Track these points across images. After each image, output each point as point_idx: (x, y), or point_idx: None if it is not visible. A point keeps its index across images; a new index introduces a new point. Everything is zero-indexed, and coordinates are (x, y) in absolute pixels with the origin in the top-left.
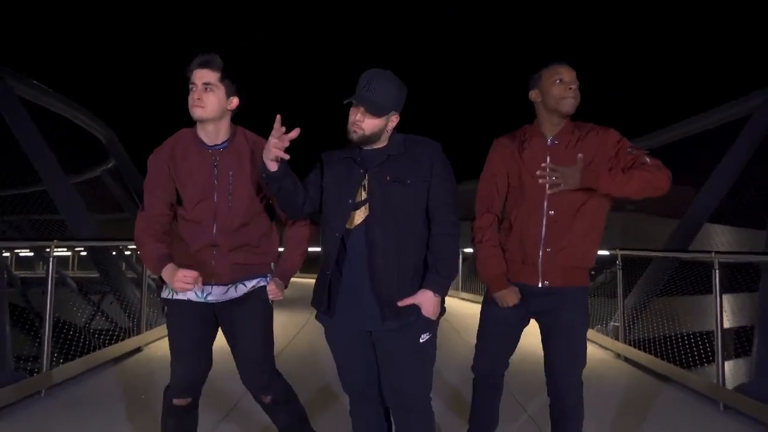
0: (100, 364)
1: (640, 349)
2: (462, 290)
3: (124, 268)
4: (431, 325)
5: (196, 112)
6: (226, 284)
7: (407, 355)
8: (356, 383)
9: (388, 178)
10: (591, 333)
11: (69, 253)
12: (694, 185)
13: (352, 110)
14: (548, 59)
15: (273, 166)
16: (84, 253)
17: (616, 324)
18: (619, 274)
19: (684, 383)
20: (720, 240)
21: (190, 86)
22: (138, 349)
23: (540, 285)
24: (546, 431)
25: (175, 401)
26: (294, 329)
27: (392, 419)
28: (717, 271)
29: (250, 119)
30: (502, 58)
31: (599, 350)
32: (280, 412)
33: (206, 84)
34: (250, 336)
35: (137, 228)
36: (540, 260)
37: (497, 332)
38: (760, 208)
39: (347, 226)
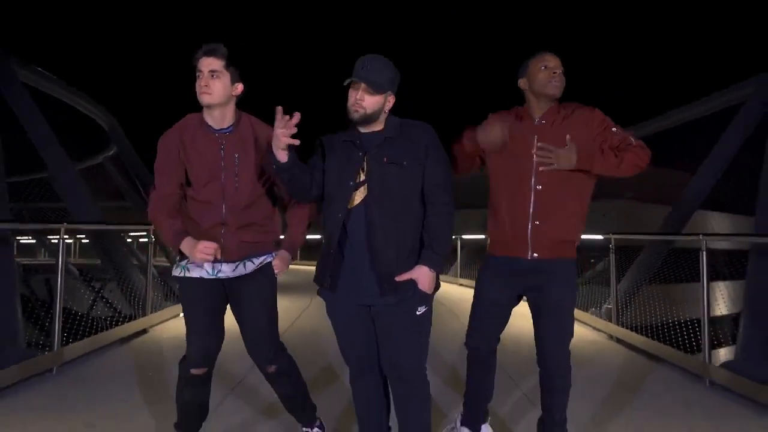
0: (108, 344)
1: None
2: (461, 277)
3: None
4: (427, 299)
5: (204, 99)
6: (234, 261)
7: (405, 327)
8: (356, 356)
9: (385, 159)
10: (585, 315)
11: (71, 241)
12: (693, 171)
13: (352, 92)
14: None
15: (283, 157)
16: (86, 241)
17: (610, 306)
18: (612, 257)
19: (672, 362)
20: (719, 227)
21: (197, 73)
22: (144, 331)
23: (529, 257)
24: (539, 406)
25: (193, 371)
26: (296, 312)
27: (390, 389)
28: (704, 252)
29: (253, 108)
30: (500, 55)
31: (593, 332)
32: (283, 384)
33: (212, 71)
34: (257, 309)
35: (151, 207)
36: (529, 233)
37: (489, 310)
38: (751, 194)
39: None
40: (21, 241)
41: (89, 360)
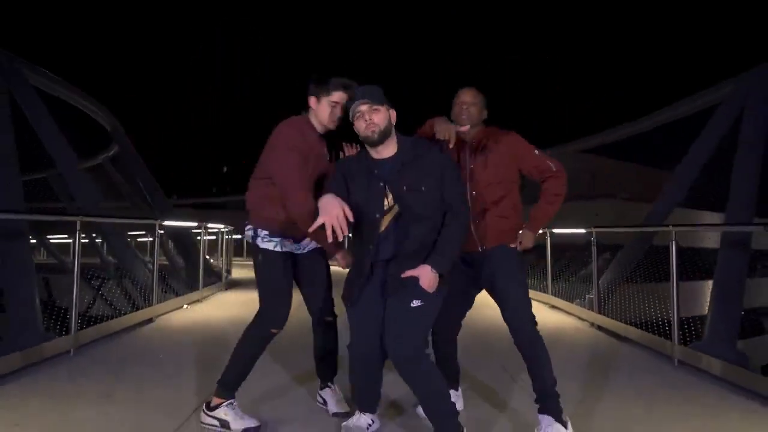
0: (118, 331)
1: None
2: None
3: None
4: (425, 295)
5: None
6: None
7: (399, 317)
8: (362, 347)
9: (405, 188)
10: (571, 306)
11: (70, 240)
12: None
13: (359, 122)
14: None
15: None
16: (85, 240)
17: (591, 296)
18: (594, 249)
19: (645, 344)
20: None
21: (334, 105)
22: (150, 320)
23: (480, 249)
24: (526, 385)
25: (273, 330)
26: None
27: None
28: (674, 241)
29: (252, 110)
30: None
31: (577, 321)
32: (329, 336)
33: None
34: (323, 276)
35: (306, 204)
36: (473, 230)
37: (448, 297)
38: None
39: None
40: None
41: (102, 344)
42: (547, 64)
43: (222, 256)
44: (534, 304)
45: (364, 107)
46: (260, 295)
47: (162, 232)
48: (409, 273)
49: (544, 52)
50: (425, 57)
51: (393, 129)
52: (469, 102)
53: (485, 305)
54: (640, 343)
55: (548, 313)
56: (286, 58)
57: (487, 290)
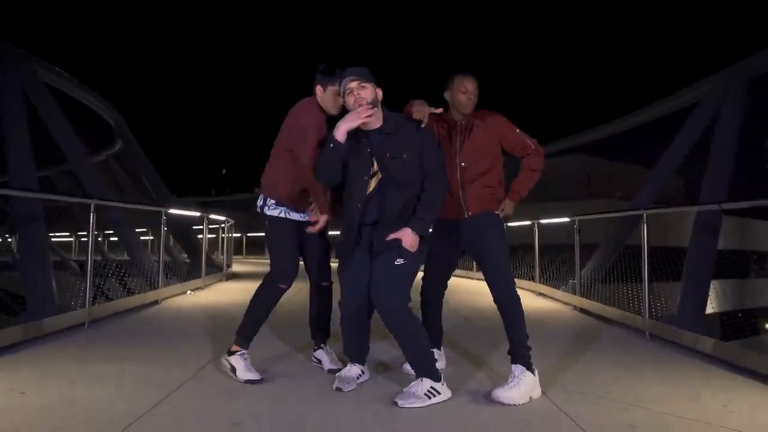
0: (128, 310)
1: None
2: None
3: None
4: (407, 255)
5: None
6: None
7: (385, 272)
8: (353, 306)
9: (388, 155)
10: (556, 292)
11: (72, 239)
12: (677, 171)
13: (348, 97)
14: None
15: (343, 138)
16: (84, 239)
17: (574, 281)
18: (577, 236)
19: (620, 321)
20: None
21: (338, 94)
22: (156, 302)
23: (466, 215)
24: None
25: (282, 285)
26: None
27: (386, 326)
28: (645, 224)
29: (250, 113)
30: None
31: (561, 305)
32: (324, 300)
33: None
34: (322, 245)
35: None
36: (461, 197)
37: (433, 262)
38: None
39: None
40: None
41: (113, 320)
42: (544, 63)
43: (223, 248)
44: (521, 292)
45: (353, 84)
46: (270, 256)
47: (166, 229)
48: (392, 236)
49: (541, 52)
50: (424, 56)
51: (379, 104)
52: (472, 91)
53: (477, 293)
54: (617, 321)
55: (535, 300)
56: (283, 57)
57: (470, 253)
